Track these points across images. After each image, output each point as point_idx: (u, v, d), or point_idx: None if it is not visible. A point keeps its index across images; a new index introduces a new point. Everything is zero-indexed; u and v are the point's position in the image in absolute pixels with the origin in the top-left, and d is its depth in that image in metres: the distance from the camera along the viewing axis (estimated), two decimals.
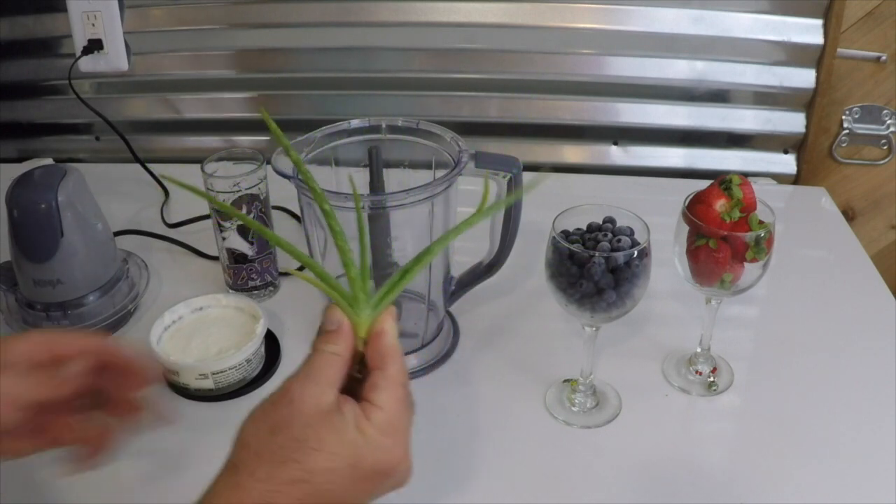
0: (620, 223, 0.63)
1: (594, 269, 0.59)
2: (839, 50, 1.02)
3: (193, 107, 1.15)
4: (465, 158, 0.67)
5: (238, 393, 0.71)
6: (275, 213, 0.85)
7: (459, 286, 0.78)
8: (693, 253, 0.64)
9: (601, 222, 0.63)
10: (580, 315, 0.62)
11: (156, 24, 1.09)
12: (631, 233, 0.62)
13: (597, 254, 0.59)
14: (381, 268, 0.71)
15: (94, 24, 1.05)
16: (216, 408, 0.70)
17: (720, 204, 0.63)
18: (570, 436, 0.67)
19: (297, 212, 0.96)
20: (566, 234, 0.62)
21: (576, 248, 0.60)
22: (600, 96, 1.09)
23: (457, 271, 0.78)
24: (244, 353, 0.70)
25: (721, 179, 0.64)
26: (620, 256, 0.59)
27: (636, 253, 0.59)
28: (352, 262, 0.44)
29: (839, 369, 0.74)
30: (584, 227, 0.63)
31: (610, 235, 0.61)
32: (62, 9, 1.04)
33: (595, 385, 0.70)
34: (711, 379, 0.71)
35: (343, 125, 0.73)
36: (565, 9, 1.03)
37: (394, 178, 0.71)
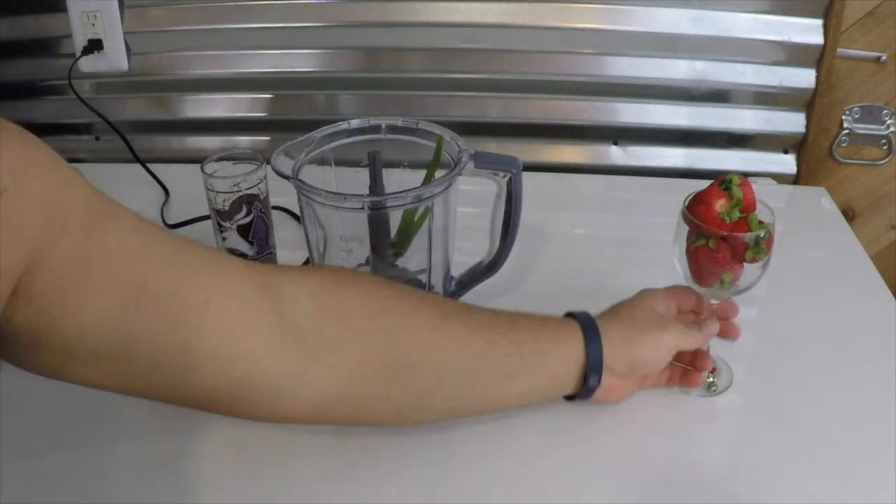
0: None
1: None
2: (839, 50, 1.02)
3: (193, 107, 1.15)
4: (465, 158, 0.68)
5: None
6: (275, 213, 0.85)
7: (459, 286, 0.78)
8: (692, 253, 0.64)
9: None
10: None
11: (156, 24, 1.09)
12: None
13: None
14: (381, 269, 0.71)
15: (94, 24, 1.05)
16: None
17: (720, 204, 0.63)
18: (569, 435, 0.67)
19: (297, 212, 0.96)
20: None
21: None
22: (600, 96, 1.09)
23: (457, 271, 0.78)
24: None
25: (721, 180, 0.64)
26: None
27: None
28: None
29: (839, 369, 0.74)
30: None
31: None
32: (62, 9, 1.04)
33: None
34: (711, 379, 0.71)
35: (343, 125, 0.73)
36: (565, 9, 1.03)
37: (394, 178, 0.71)
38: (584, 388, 0.61)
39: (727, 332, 0.68)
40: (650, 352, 0.62)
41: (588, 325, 0.61)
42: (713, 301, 0.68)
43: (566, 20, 1.04)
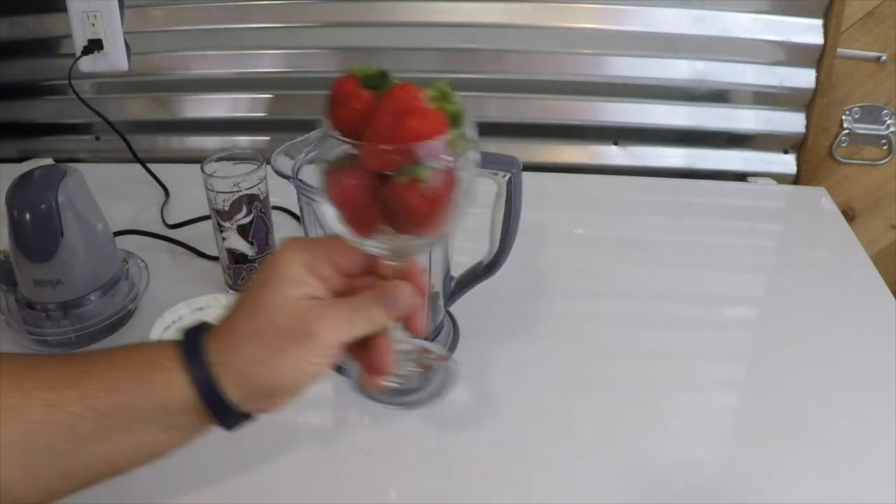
0: None
1: None
2: (839, 50, 1.02)
3: (193, 107, 1.15)
4: None
5: None
6: (275, 213, 0.85)
7: (459, 286, 0.78)
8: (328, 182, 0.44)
9: None
10: None
11: (156, 24, 1.09)
12: None
13: None
14: None
15: (94, 24, 1.05)
16: None
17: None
18: (568, 435, 0.67)
19: (297, 212, 0.96)
20: None
21: None
22: (600, 96, 1.09)
23: (456, 271, 0.78)
24: None
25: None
26: None
27: None
28: None
29: (839, 369, 0.74)
30: None
31: None
32: (62, 9, 1.04)
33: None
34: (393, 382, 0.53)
35: None
36: (565, 9, 1.03)
37: None
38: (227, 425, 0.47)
39: (409, 316, 0.47)
40: (292, 378, 0.44)
41: (193, 358, 0.44)
42: (390, 263, 0.46)
43: (566, 20, 1.04)
